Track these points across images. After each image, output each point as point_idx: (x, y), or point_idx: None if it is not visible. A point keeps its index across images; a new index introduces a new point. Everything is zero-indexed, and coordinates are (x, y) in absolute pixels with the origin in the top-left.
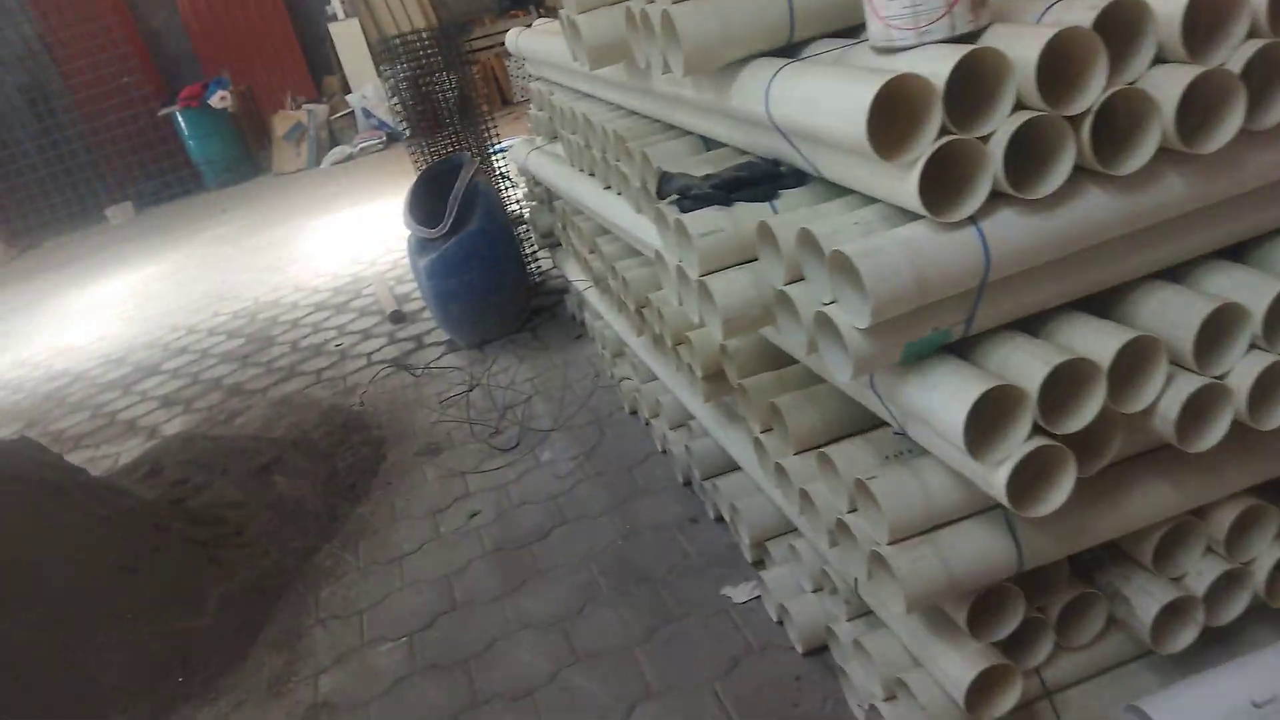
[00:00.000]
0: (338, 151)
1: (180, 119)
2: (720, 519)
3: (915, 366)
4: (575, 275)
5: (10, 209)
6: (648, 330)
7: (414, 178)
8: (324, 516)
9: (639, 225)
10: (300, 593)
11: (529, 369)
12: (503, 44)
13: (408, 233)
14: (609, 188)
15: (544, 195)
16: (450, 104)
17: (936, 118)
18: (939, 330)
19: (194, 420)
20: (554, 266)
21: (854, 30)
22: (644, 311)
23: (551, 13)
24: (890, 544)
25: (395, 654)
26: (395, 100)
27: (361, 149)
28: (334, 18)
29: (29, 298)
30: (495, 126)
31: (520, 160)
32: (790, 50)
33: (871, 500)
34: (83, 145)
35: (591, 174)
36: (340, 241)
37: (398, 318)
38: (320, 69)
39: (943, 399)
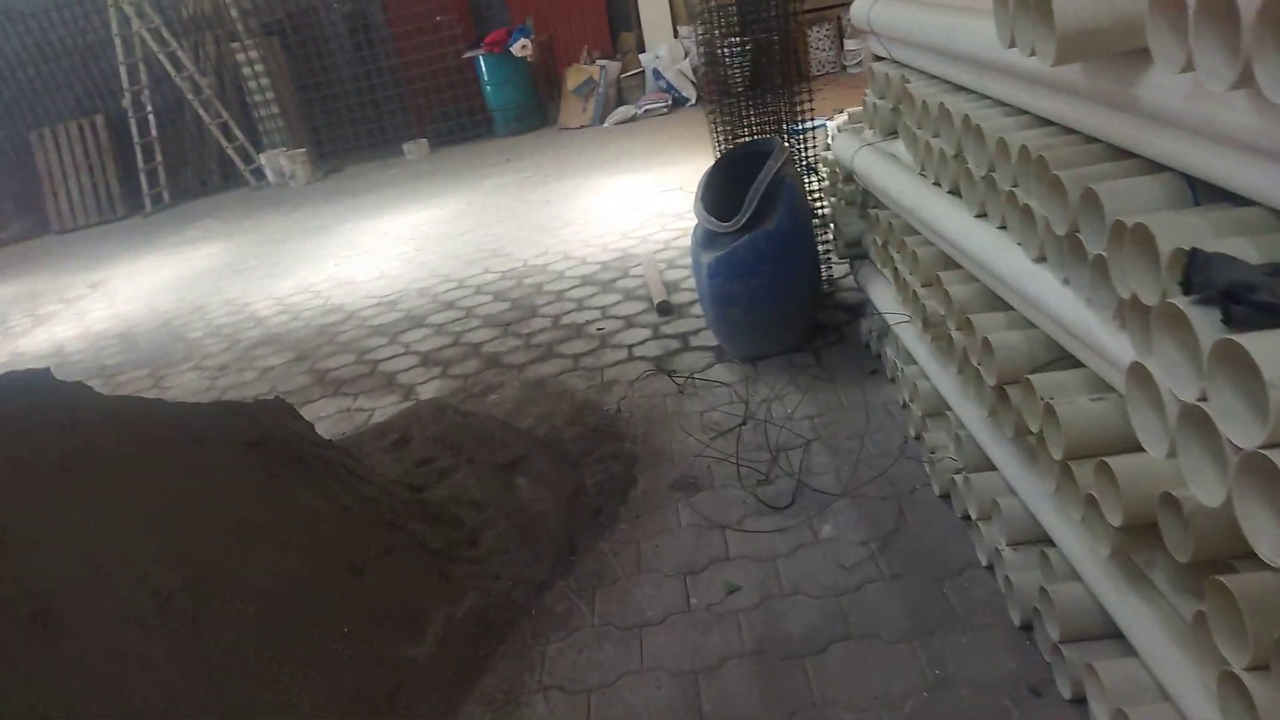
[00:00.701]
0: (622, 111)
1: (482, 63)
2: (1079, 700)
3: None
4: (886, 304)
5: (322, 131)
6: (1008, 416)
7: (697, 149)
8: (563, 543)
9: (1039, 285)
10: (526, 641)
11: (810, 405)
12: (810, 10)
13: (687, 217)
14: (983, 216)
15: (856, 196)
16: (747, 72)
17: None
18: None
19: (449, 387)
20: (849, 276)
21: None
22: (1009, 390)
23: None
24: None
25: None
26: (693, 59)
27: (646, 111)
28: None
29: (323, 221)
30: (810, 104)
31: (845, 156)
32: None
33: None
34: (393, 79)
35: (953, 192)
36: (614, 209)
37: (665, 310)
38: (618, 24)
39: None
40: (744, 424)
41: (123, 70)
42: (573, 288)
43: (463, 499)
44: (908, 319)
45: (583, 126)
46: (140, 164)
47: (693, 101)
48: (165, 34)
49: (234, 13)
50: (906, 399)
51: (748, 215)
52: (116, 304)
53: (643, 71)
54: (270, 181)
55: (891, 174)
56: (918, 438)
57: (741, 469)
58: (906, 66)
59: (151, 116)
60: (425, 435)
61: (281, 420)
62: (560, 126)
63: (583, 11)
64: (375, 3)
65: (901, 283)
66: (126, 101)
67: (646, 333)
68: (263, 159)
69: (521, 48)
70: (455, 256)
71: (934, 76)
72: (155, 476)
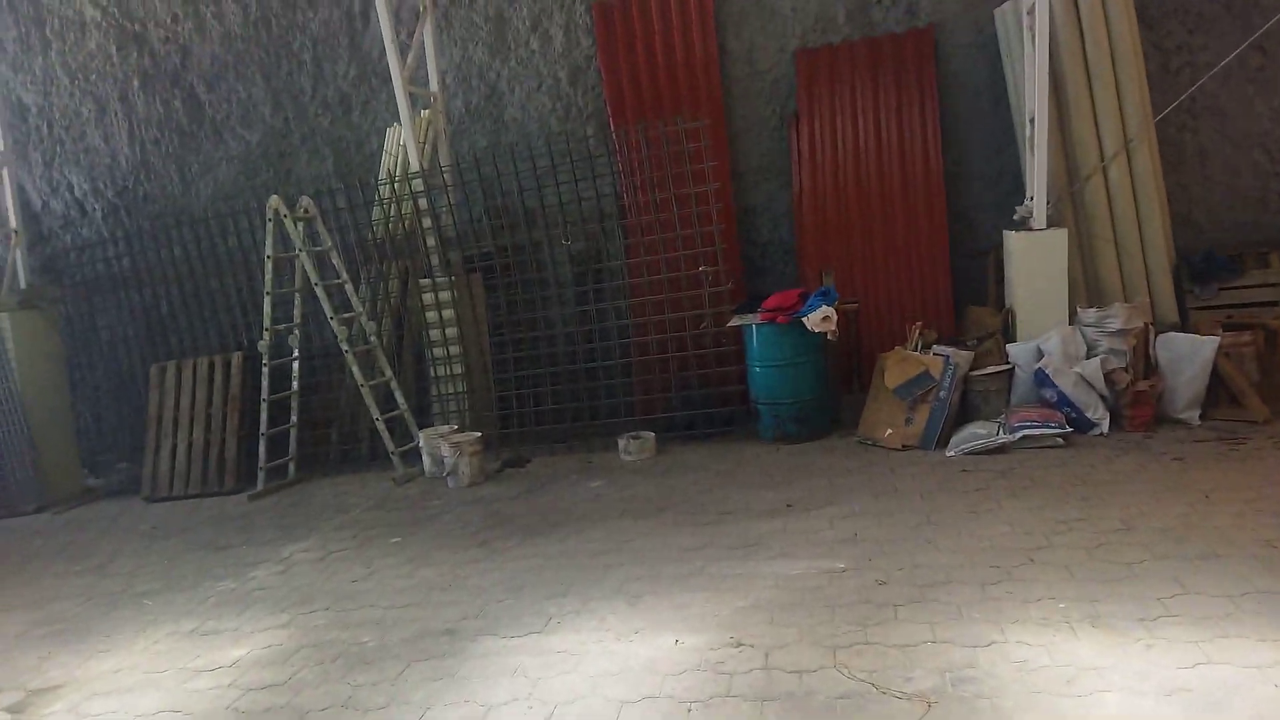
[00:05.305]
0: (974, 431)
1: (754, 335)
2: None
3: None
4: None
5: (512, 402)
6: None
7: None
8: None
9: None
10: None
11: None
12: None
13: None
14: None
15: None
16: None
17: None
18: None
19: None
20: None
21: None
22: None
23: None
24: None
25: None
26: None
27: (1021, 436)
28: (1022, 223)
29: (455, 615)
30: None
31: None
32: None
33: None
34: (620, 345)
35: None
36: None
37: None
38: (968, 294)
39: None
40: None
41: (266, 301)
42: None
43: None
44: None
45: (906, 447)
46: (264, 426)
47: (1102, 430)
48: (336, 261)
49: (430, 241)
50: None
51: None
52: None
53: (1010, 370)
54: (425, 472)
55: None
56: None
57: None
58: None
59: (296, 365)
60: None
61: None
62: (862, 438)
63: (913, 269)
64: (619, 243)
65: None
66: (264, 343)
67: None
68: (422, 438)
69: (823, 319)
70: None
71: None
72: None
